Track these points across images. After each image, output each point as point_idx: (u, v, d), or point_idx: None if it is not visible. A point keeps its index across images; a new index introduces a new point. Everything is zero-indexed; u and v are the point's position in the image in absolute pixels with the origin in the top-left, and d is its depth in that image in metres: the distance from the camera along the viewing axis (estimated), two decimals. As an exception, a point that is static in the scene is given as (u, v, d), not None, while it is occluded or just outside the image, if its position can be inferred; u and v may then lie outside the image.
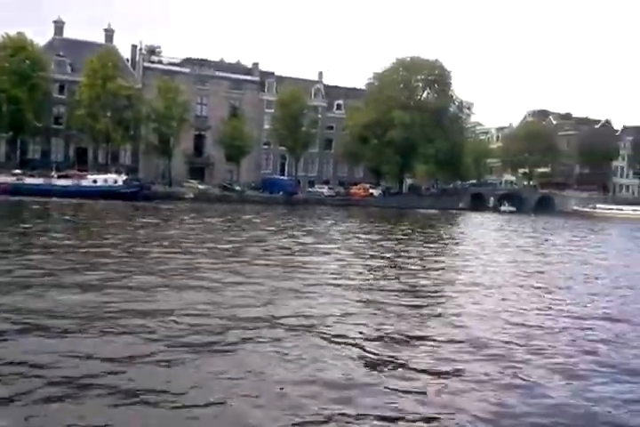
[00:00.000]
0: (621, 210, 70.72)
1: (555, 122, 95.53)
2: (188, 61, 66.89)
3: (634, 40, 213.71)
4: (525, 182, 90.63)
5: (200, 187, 56.79)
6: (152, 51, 65.32)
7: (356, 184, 68.90)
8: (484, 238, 27.47)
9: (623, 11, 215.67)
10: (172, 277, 11.39)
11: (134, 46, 65.36)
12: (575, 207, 74.34)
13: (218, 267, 12.96)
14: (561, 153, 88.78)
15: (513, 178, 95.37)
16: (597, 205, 74.11)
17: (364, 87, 73.15)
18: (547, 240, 28.65)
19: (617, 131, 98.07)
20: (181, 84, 58.06)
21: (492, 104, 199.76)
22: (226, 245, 17.75)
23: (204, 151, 65.90)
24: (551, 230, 38.71)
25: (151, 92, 56.60)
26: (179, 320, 7.86)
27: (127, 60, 63.71)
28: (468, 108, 74.32)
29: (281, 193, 59.02)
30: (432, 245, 21.66)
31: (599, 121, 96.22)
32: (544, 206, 76.80)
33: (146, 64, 62.78)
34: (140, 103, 55.34)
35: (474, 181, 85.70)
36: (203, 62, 67.40)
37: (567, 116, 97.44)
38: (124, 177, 47.79)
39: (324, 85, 75.24)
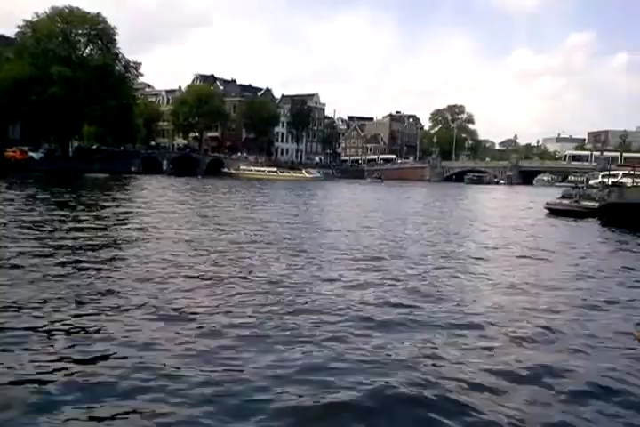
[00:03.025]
0: (258, 171, 78.37)
1: (222, 87, 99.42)
2: None
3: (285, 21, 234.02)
4: (198, 146, 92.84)
5: None
6: None
7: (11, 146, 60.99)
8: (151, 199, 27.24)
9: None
10: None
11: None
12: (225, 169, 79.53)
13: None
14: (229, 118, 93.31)
15: (185, 141, 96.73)
16: (241, 167, 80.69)
17: (14, 36, 64.46)
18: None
19: (277, 99, 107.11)
20: None
21: (162, 66, 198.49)
22: None
23: None
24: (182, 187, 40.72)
25: None
26: None
27: None
28: (136, 69, 71.83)
29: None
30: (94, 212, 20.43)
31: (261, 89, 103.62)
32: (216, 169, 80.00)
33: None
34: None
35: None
36: None
37: (233, 83, 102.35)
38: None
39: (-37, 30, 64.03)
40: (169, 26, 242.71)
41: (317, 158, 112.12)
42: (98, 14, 65.06)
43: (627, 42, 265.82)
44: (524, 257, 12.71)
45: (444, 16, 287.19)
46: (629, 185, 27.15)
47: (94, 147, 75.28)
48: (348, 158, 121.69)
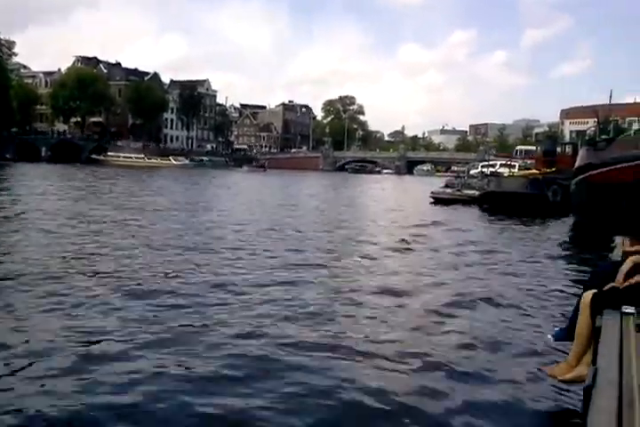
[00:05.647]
0: (125, 157, 76.37)
1: (105, 70, 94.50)
2: None
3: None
4: (80, 132, 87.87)
5: None
6: None
7: None
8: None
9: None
10: None
11: None
12: (93, 156, 76.27)
13: None
14: (114, 102, 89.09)
15: (66, 127, 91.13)
16: (108, 153, 78.22)
17: None
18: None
19: (166, 84, 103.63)
20: None
21: (40, 47, 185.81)
22: None
23: None
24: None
25: None
26: None
27: None
28: (9, 48, 66.97)
29: None
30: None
31: (148, 73, 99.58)
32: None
33: None
34: None
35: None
36: None
37: (117, 66, 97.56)
38: None
39: None
40: (48, 4, 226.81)
41: (209, 146, 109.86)
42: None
43: (504, 40, 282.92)
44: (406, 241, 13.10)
45: (337, 8, 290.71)
46: (506, 175, 28.81)
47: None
48: (244, 147, 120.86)
